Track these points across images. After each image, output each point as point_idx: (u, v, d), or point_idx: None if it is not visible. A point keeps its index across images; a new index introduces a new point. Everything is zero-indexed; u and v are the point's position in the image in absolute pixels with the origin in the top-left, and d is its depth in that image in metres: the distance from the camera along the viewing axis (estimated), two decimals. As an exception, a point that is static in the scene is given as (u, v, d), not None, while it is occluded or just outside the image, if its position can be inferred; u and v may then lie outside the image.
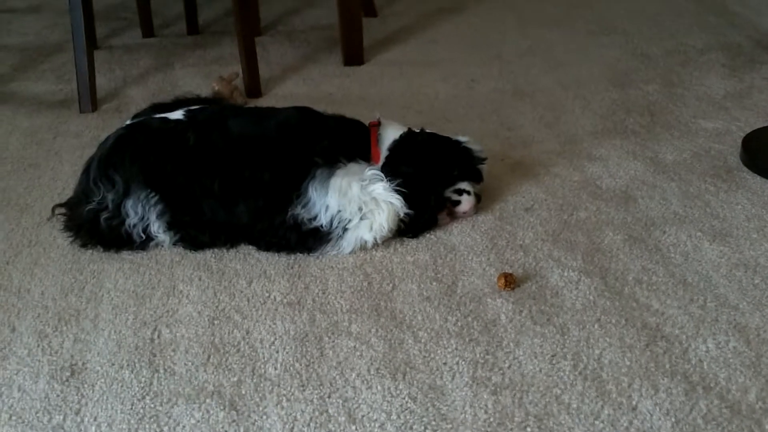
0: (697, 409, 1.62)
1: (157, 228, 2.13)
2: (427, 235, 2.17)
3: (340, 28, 3.23)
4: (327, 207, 2.09)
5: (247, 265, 2.09)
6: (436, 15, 3.73)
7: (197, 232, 2.15)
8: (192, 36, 3.58)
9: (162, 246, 2.17)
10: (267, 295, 1.98)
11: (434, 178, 2.21)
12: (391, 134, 2.27)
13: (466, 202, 2.23)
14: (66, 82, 3.15)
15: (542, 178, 2.41)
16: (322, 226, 2.10)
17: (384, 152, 2.24)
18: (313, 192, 2.10)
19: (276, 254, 2.12)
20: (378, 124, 2.28)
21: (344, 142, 2.22)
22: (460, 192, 2.23)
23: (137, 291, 2.01)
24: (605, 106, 2.86)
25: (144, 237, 2.14)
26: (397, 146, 2.25)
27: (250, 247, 2.15)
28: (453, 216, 2.24)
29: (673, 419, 1.60)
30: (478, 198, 2.26)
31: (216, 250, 2.14)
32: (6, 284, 2.05)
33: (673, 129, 2.69)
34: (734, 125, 2.68)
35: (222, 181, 2.12)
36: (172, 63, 3.31)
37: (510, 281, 1.96)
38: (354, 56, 3.23)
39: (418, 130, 2.27)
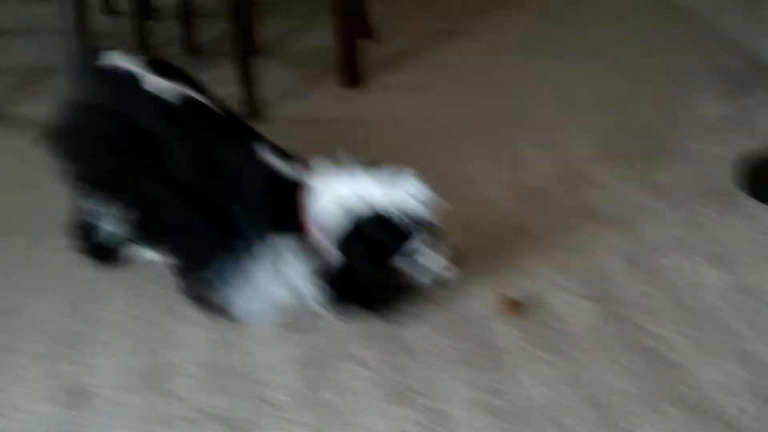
0: (697, 433, 1.63)
1: None
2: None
3: (335, 51, 3.24)
4: None
5: (247, 288, 2.08)
6: (433, 38, 3.74)
7: None
8: (188, 57, 3.57)
9: None
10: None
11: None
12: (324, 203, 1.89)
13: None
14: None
15: (540, 202, 2.42)
16: None
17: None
18: None
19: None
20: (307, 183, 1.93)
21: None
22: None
23: (137, 314, 2.01)
24: (601, 130, 2.87)
25: None
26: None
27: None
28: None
29: (674, 444, 1.61)
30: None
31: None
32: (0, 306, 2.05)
33: (668, 153, 2.70)
34: (729, 148, 2.69)
35: None
36: (169, 85, 3.30)
37: (510, 306, 1.97)
38: (351, 79, 3.23)
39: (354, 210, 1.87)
